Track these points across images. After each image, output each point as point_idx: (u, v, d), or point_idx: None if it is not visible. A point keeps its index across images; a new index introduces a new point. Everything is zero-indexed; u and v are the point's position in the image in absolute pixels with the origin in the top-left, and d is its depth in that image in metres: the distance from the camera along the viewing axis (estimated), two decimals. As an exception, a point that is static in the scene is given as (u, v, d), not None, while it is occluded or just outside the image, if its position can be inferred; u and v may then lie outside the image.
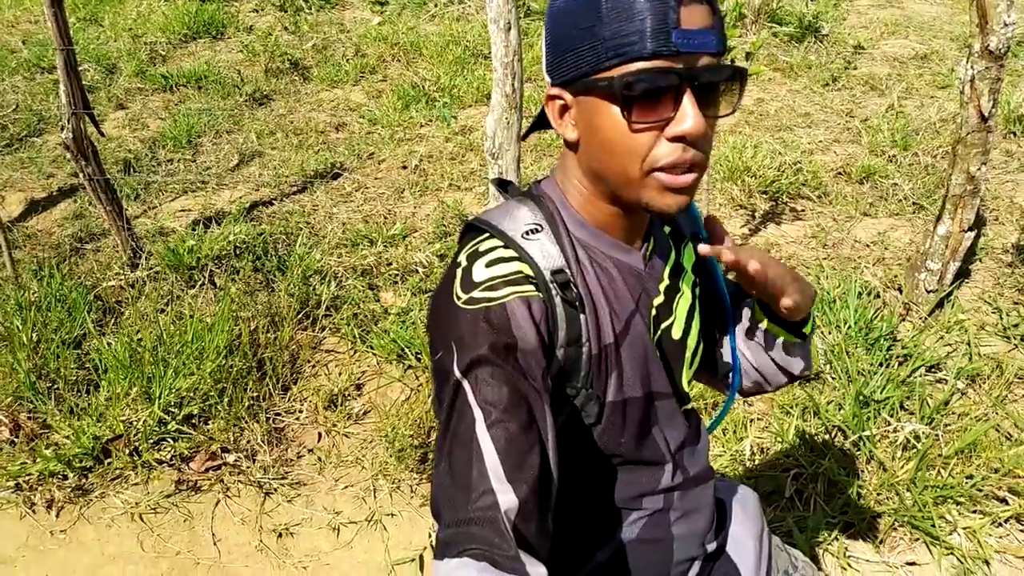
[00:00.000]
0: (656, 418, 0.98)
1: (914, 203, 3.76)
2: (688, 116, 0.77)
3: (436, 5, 6.52)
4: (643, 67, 0.76)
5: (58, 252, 3.44)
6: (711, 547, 1.07)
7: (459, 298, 0.82)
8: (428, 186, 4.00)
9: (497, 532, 0.69)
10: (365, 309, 3.04)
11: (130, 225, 3.28)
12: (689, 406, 1.05)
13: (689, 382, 1.04)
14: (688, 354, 1.02)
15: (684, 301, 1.01)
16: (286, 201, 3.89)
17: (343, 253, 3.40)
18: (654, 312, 0.96)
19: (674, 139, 0.79)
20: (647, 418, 0.96)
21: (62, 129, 2.94)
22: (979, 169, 2.70)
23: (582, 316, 0.87)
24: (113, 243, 3.32)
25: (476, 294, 0.81)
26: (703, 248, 0.87)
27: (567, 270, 0.87)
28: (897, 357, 2.65)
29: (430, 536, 2.29)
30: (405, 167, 4.20)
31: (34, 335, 2.80)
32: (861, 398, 2.44)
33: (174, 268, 3.18)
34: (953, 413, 2.46)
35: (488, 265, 0.84)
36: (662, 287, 0.98)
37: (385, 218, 3.72)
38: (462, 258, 0.87)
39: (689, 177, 0.81)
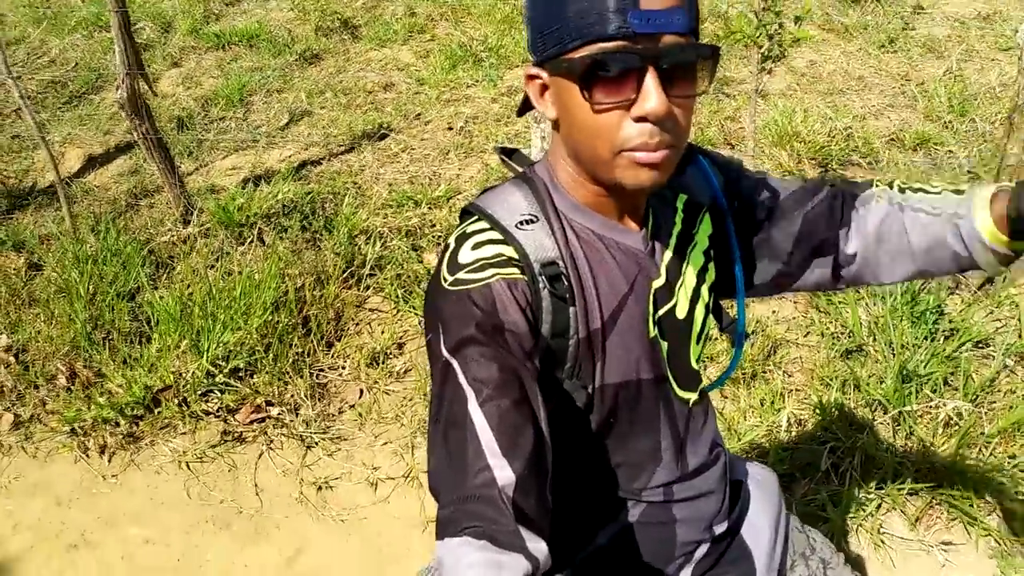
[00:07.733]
0: (651, 403, 0.97)
1: (969, 171, 3.61)
2: (651, 97, 0.76)
3: (486, -38, 6.42)
4: (601, 48, 0.76)
5: (114, 207, 3.56)
6: (719, 529, 1.06)
7: (445, 280, 0.83)
8: (473, 148, 3.99)
9: (496, 508, 0.70)
10: (408, 270, 3.07)
11: (182, 182, 3.37)
12: (696, 391, 1.02)
13: (699, 359, 1.02)
14: (695, 331, 1.00)
15: (690, 277, 0.99)
16: (334, 161, 3.93)
17: (388, 214, 3.44)
18: (653, 294, 0.94)
19: (638, 120, 0.78)
20: (640, 403, 0.95)
21: (116, 89, 3.01)
22: (1041, 139, 2.58)
23: (571, 309, 0.87)
24: (166, 199, 3.42)
25: (461, 275, 0.83)
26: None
27: (559, 262, 0.87)
28: (943, 332, 2.58)
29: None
30: (451, 128, 4.19)
31: (90, 287, 2.92)
32: (904, 373, 2.39)
33: (224, 225, 3.26)
34: (999, 391, 2.39)
35: (474, 248, 0.85)
36: (664, 267, 0.95)
37: (430, 180, 3.74)
38: (451, 240, 0.88)
39: (660, 154, 0.80)
